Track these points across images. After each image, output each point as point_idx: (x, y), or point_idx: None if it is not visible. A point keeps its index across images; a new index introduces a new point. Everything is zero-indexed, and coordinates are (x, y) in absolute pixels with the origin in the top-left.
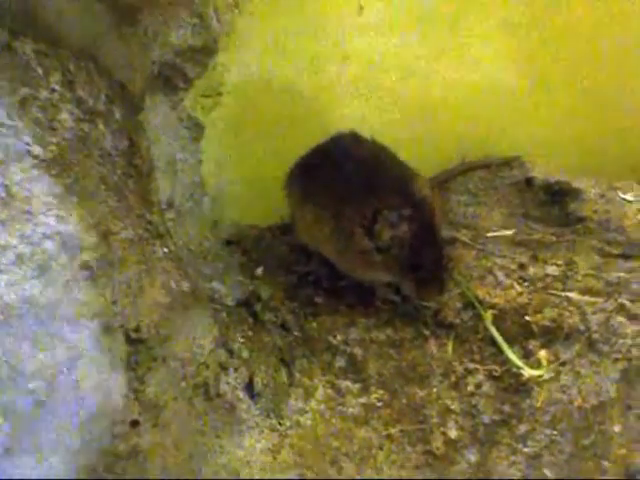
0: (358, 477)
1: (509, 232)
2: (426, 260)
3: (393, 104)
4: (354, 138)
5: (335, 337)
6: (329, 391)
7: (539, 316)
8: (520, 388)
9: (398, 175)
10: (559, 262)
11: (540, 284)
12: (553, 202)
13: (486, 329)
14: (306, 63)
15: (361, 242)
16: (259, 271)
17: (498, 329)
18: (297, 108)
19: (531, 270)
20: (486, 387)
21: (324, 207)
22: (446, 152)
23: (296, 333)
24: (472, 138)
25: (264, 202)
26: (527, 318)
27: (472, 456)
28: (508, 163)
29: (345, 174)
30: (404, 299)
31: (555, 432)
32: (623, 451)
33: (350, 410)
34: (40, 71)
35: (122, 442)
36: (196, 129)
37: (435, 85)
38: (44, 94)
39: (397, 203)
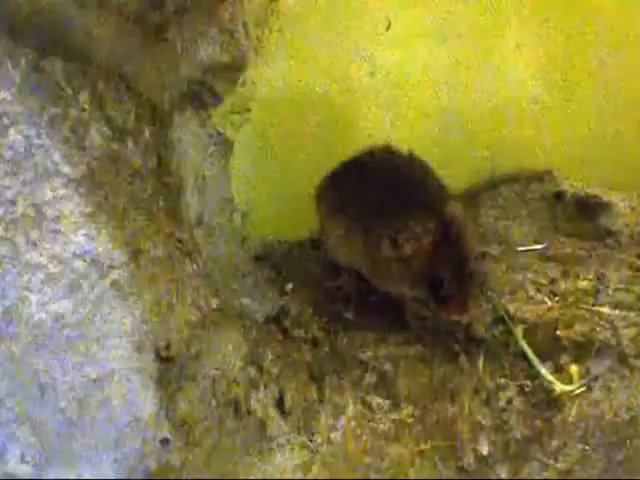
0: None
1: (540, 246)
2: (449, 276)
3: (422, 118)
4: (389, 151)
5: (365, 353)
6: (359, 407)
7: (570, 331)
8: (551, 403)
9: (431, 192)
10: (590, 276)
11: (571, 298)
12: (583, 216)
13: (517, 344)
14: (334, 78)
15: (385, 252)
16: (288, 287)
17: (529, 344)
18: (326, 123)
19: (562, 284)
20: (517, 402)
21: (356, 219)
22: (476, 166)
23: (326, 349)
24: (502, 151)
25: (293, 217)
26: (558, 333)
27: (504, 472)
28: (539, 177)
29: (378, 187)
30: (434, 315)
31: (587, 447)
32: None
33: (381, 426)
34: (69, 90)
35: (153, 460)
36: (225, 145)
37: (464, 98)
38: (73, 113)
39: (424, 218)
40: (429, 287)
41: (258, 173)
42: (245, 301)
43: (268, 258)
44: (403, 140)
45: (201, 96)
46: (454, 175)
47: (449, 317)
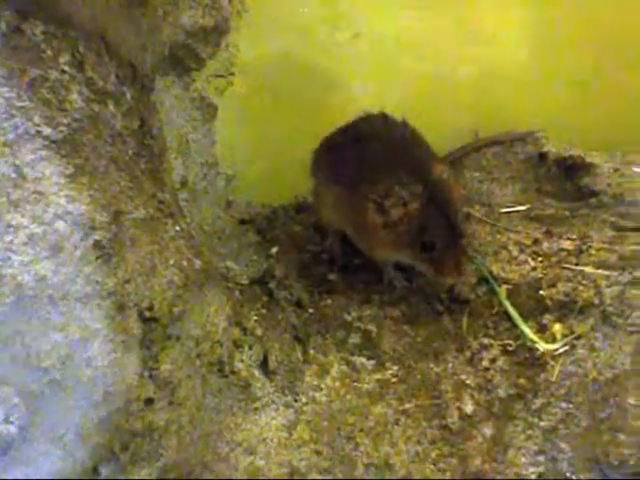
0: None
1: (523, 207)
2: (441, 240)
3: (406, 82)
4: (382, 118)
5: (349, 314)
6: (344, 368)
7: (553, 290)
8: (535, 362)
9: (417, 156)
10: (573, 236)
11: (554, 258)
12: (567, 177)
13: (500, 304)
14: (318, 41)
15: (372, 218)
16: (273, 250)
17: (512, 304)
18: (310, 86)
19: (545, 245)
20: (501, 362)
21: (345, 185)
22: (461, 128)
23: (310, 310)
24: (486, 113)
25: (278, 182)
26: (541, 292)
27: (488, 430)
28: (522, 138)
29: (367, 153)
30: (410, 282)
31: (571, 405)
32: (639, 423)
33: (365, 386)
34: (50, 52)
35: (137, 420)
36: (209, 110)
37: (450, 60)
38: (54, 75)
39: (411, 181)
40: (421, 252)
41: (242, 138)
42: (230, 264)
43: (253, 222)
44: (387, 105)
45: (184, 60)
46: (438, 139)
47: (443, 280)
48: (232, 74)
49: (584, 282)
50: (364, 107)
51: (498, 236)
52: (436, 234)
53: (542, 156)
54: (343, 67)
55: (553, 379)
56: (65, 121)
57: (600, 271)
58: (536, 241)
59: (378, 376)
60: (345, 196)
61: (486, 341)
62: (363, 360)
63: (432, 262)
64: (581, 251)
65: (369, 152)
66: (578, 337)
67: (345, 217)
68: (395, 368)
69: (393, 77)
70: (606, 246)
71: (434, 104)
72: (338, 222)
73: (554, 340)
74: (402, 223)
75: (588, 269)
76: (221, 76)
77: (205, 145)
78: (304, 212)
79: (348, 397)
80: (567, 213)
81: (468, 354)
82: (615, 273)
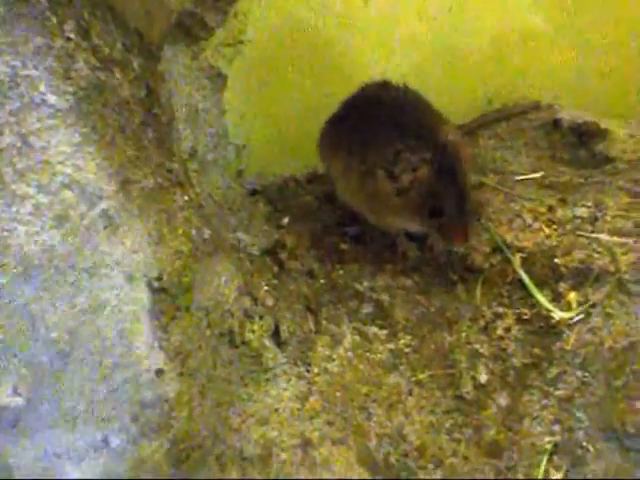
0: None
1: (537, 175)
2: (449, 206)
3: (417, 51)
4: (384, 86)
5: (362, 284)
6: (356, 338)
7: (568, 258)
8: (550, 331)
9: (424, 120)
10: (588, 204)
11: (569, 226)
12: (581, 143)
13: (515, 273)
14: (329, 9)
15: (382, 184)
16: (284, 220)
17: (527, 272)
18: (321, 55)
19: (560, 212)
20: (516, 331)
21: (352, 154)
22: (473, 98)
23: (322, 281)
24: (499, 83)
25: (288, 151)
26: (556, 261)
27: (503, 400)
28: (533, 109)
29: (373, 121)
30: (422, 251)
31: (586, 374)
32: None
33: (378, 356)
34: (55, 20)
35: (147, 391)
36: (218, 79)
37: (461, 30)
38: (59, 43)
39: (419, 146)
40: (429, 218)
41: (252, 107)
42: (240, 235)
43: (263, 192)
44: (398, 73)
45: (192, 29)
46: (451, 107)
47: (450, 247)
48: (241, 43)
49: (599, 249)
50: (376, 75)
51: (512, 204)
52: (444, 199)
53: (556, 123)
54: (354, 35)
55: (568, 347)
56: (71, 89)
57: (615, 238)
58: (551, 209)
59: (391, 346)
60: (353, 166)
61: (500, 310)
62: (376, 330)
63: (440, 228)
64: (596, 218)
65: (374, 120)
66: (593, 305)
67: (354, 187)
68: (408, 338)
69: (404, 45)
70: (621, 213)
71: (447, 72)
72: (346, 195)
73: (569, 308)
74: (412, 189)
75: (603, 236)
76: (230, 45)
77: (215, 115)
78: (315, 182)
79: (361, 367)
80: (582, 180)
81: (482, 323)
82: (630, 240)
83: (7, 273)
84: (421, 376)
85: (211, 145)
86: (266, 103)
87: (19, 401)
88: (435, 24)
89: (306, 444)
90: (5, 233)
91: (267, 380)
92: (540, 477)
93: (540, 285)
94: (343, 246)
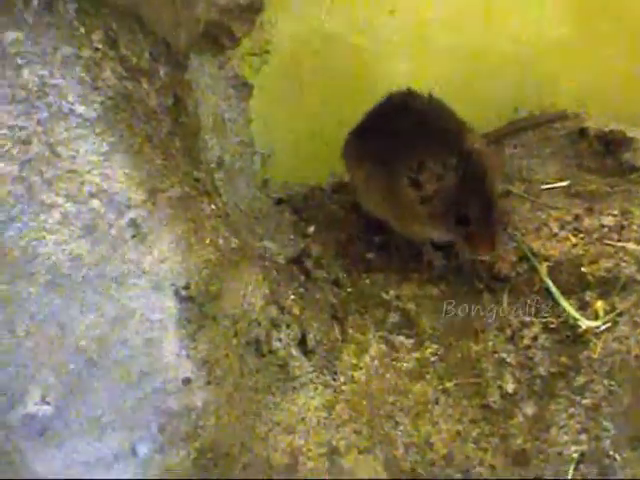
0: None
1: (564, 184)
2: (475, 214)
3: (443, 58)
4: (409, 95)
5: (388, 293)
6: (383, 347)
7: (595, 267)
8: (577, 340)
9: (448, 128)
10: (614, 212)
11: (596, 235)
12: (607, 152)
13: (541, 281)
14: (354, 18)
15: (407, 193)
16: (310, 229)
17: (554, 281)
18: (346, 64)
19: (586, 221)
20: (542, 339)
21: (377, 163)
22: (499, 106)
23: (348, 289)
24: (525, 91)
25: (314, 161)
26: (583, 269)
27: (529, 409)
28: (560, 118)
29: (397, 130)
30: (458, 255)
31: (613, 383)
32: None
33: (404, 365)
34: (82, 30)
35: (175, 400)
36: (244, 88)
37: (487, 38)
38: (87, 53)
39: (444, 154)
40: (455, 226)
41: (278, 116)
42: (267, 244)
43: (289, 201)
44: (425, 81)
45: (218, 38)
46: (477, 116)
47: (476, 255)
48: (267, 52)
49: (626, 258)
50: (401, 84)
51: (539, 213)
52: (470, 207)
53: (583, 131)
54: (379, 44)
55: (595, 356)
56: (99, 99)
57: None
58: (577, 217)
59: (417, 355)
60: (377, 175)
61: (527, 319)
62: (402, 339)
63: (466, 237)
64: (622, 227)
65: (398, 128)
66: (620, 314)
67: (379, 196)
68: (434, 347)
69: (431, 53)
70: None
71: (474, 80)
72: (371, 205)
73: (596, 317)
74: (437, 197)
75: (630, 245)
76: (256, 54)
77: (241, 124)
78: (341, 191)
79: (387, 376)
80: (608, 189)
81: (509, 332)
82: None
83: (36, 282)
84: (448, 385)
85: (237, 154)
86: (292, 112)
87: (47, 409)
88: (461, 32)
89: (333, 453)
90: (34, 242)
91: (294, 389)
92: None
93: (567, 294)
94: (369, 255)
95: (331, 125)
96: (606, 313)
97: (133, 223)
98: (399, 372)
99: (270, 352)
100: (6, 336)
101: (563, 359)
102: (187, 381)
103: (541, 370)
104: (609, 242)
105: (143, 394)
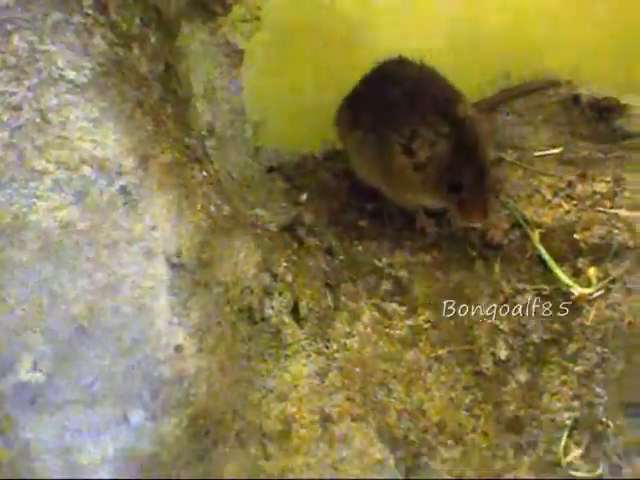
0: None
1: (556, 150)
2: (468, 181)
3: (435, 27)
4: (401, 62)
5: (380, 260)
6: (375, 314)
7: (588, 234)
8: (570, 306)
9: (440, 95)
10: (607, 179)
11: (588, 202)
12: (600, 119)
13: (534, 249)
14: None
15: (400, 160)
16: (303, 197)
17: (546, 248)
18: (338, 31)
19: (579, 188)
20: (535, 306)
21: (369, 131)
22: (491, 74)
23: (341, 257)
24: (517, 59)
25: (305, 129)
26: (576, 236)
27: (522, 376)
28: (552, 85)
29: (389, 97)
30: (450, 222)
31: (606, 350)
32: None
33: (397, 332)
34: None
35: (167, 367)
36: (235, 55)
37: (479, 6)
38: (77, 18)
39: (436, 121)
40: (447, 193)
41: (270, 84)
42: (259, 211)
43: (281, 169)
44: (416, 50)
45: (209, 5)
46: (469, 83)
47: (469, 222)
48: (258, 19)
49: (619, 225)
50: (393, 51)
51: (531, 180)
52: (462, 174)
53: (575, 98)
54: (372, 10)
55: (588, 323)
56: (89, 65)
57: (635, 213)
58: (570, 184)
59: (410, 322)
60: (370, 142)
61: (520, 286)
62: (395, 306)
63: (458, 204)
64: (615, 194)
65: (391, 96)
66: (613, 281)
67: (371, 164)
68: (427, 314)
69: (422, 22)
70: None
71: (465, 48)
72: (365, 174)
73: (589, 284)
74: (430, 164)
75: (623, 212)
76: (247, 21)
77: (232, 91)
78: (333, 159)
79: (380, 343)
80: (601, 155)
81: (501, 299)
82: None
83: (26, 249)
84: (440, 352)
85: (228, 122)
86: (284, 80)
87: (39, 377)
88: (452, 2)
89: (325, 420)
90: (24, 209)
91: (286, 356)
92: (561, 452)
93: (559, 261)
94: (361, 223)
95: (323, 92)
96: (599, 280)
97: (124, 190)
98: (392, 339)
99: (262, 320)
100: None
101: (556, 326)
102: (179, 348)
103: (534, 337)
104: (602, 209)
105: (135, 361)
